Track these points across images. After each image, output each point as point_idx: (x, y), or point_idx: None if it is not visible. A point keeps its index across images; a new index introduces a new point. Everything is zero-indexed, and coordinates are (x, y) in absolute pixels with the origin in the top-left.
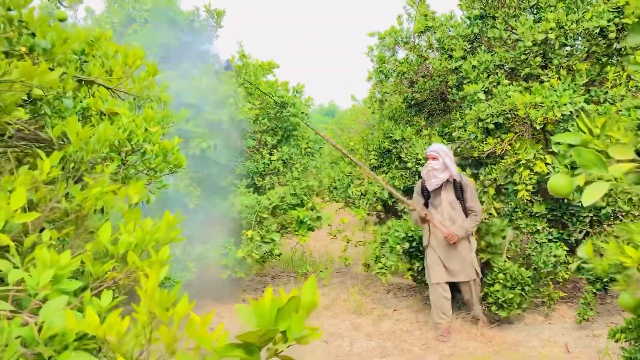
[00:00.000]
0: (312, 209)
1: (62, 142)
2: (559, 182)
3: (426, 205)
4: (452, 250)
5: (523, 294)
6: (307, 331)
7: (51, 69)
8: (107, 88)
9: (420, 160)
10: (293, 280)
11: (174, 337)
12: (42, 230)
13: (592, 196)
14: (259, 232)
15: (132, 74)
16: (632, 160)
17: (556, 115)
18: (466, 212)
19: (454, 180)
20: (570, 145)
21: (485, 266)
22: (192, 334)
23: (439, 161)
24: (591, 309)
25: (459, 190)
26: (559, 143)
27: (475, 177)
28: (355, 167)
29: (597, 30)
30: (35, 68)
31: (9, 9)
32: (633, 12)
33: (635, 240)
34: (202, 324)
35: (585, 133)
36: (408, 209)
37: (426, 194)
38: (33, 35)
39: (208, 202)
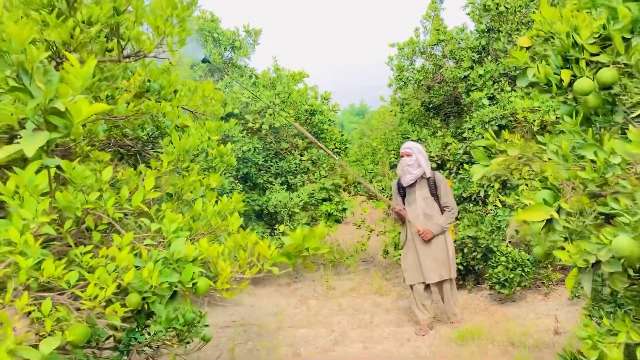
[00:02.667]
0: (338, 204)
1: (146, 147)
2: (476, 171)
3: (403, 202)
4: (427, 248)
5: (523, 274)
6: (321, 248)
7: (158, 101)
8: (191, 111)
9: (433, 157)
10: (322, 267)
11: (247, 258)
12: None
13: (476, 175)
14: (290, 226)
15: (207, 101)
16: (520, 156)
17: (551, 118)
18: (441, 208)
19: (428, 177)
20: (484, 147)
21: (488, 251)
22: (258, 249)
23: (412, 157)
24: (582, 287)
25: (433, 187)
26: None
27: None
28: (376, 164)
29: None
30: (158, 104)
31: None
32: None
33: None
34: (264, 244)
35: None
36: (390, 210)
37: (402, 191)
38: (149, 81)
39: (248, 197)
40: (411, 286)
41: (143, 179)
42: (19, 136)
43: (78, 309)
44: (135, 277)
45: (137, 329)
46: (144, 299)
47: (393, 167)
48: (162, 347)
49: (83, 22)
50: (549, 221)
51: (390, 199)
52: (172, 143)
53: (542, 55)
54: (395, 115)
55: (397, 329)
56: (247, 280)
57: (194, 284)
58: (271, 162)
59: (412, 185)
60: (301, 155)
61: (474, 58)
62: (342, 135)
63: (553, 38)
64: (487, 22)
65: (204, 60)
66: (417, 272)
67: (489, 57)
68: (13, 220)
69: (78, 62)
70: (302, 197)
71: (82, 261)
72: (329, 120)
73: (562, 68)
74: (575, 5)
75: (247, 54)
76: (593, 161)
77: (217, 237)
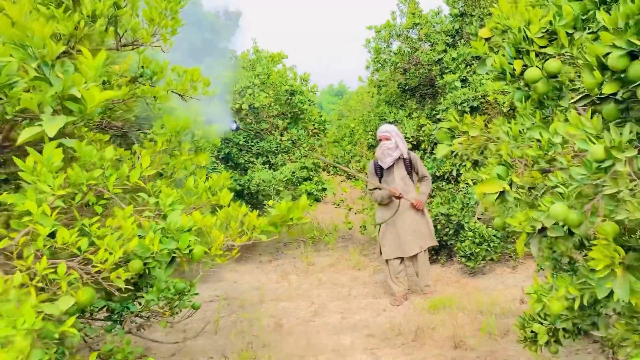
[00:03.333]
0: (317, 183)
1: (133, 128)
2: (440, 150)
3: (379, 182)
4: (408, 224)
5: (488, 248)
6: (303, 218)
7: (152, 86)
8: (180, 95)
9: (409, 138)
10: (302, 244)
11: (237, 228)
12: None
13: (440, 153)
14: (278, 201)
15: (195, 85)
16: (479, 136)
17: None
18: (415, 183)
19: (405, 158)
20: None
21: (460, 227)
22: (248, 220)
23: (392, 141)
24: (547, 260)
25: (409, 166)
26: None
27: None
28: (354, 144)
29: None
30: (152, 89)
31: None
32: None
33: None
34: (253, 215)
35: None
36: (369, 190)
37: (379, 172)
38: (142, 67)
39: (230, 177)
40: (387, 261)
41: (139, 158)
42: (19, 120)
43: (87, 273)
44: (138, 244)
45: (130, 300)
46: (145, 265)
47: (370, 147)
48: (152, 317)
49: (88, 16)
50: (502, 193)
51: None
52: (164, 125)
53: (499, 46)
54: (373, 97)
55: (374, 300)
56: (237, 247)
57: (190, 251)
58: (252, 142)
59: (391, 166)
60: (281, 135)
61: (447, 41)
62: (320, 116)
63: (508, 31)
64: (461, 7)
65: (236, 129)
66: (395, 247)
67: (462, 41)
68: (28, 194)
69: (90, 54)
70: (285, 173)
71: (90, 231)
72: (309, 100)
73: (515, 58)
74: (529, 1)
75: (227, 37)
76: (539, 140)
77: (202, 211)
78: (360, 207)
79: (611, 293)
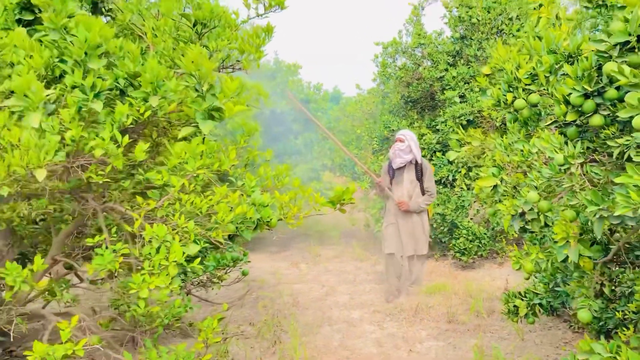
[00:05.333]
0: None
1: None
2: (450, 154)
3: (390, 182)
4: (406, 225)
5: (479, 245)
6: (351, 200)
7: None
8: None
9: None
10: (308, 238)
11: (301, 205)
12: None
13: (451, 157)
14: None
15: (257, 97)
16: (479, 146)
17: None
18: (423, 191)
19: (416, 163)
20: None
21: (454, 226)
22: (311, 198)
23: (405, 144)
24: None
25: (419, 172)
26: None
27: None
28: (361, 149)
29: None
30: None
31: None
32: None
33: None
34: (317, 194)
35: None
36: (374, 188)
37: (391, 173)
38: None
39: None
40: (387, 253)
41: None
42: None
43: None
44: (240, 212)
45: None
46: (236, 228)
47: (374, 152)
48: (199, 285)
49: (211, 50)
50: (495, 186)
51: (378, 176)
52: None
53: (497, 81)
54: (377, 107)
55: (377, 286)
56: (302, 217)
57: (269, 220)
58: (270, 144)
59: (402, 168)
60: (295, 138)
61: (449, 61)
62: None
63: (503, 71)
64: (461, 30)
65: None
66: (396, 243)
67: (462, 61)
68: (163, 173)
69: (229, 78)
70: (298, 174)
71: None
72: (322, 108)
73: (507, 92)
74: (519, 51)
75: None
76: (522, 150)
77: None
78: (363, 205)
79: (566, 258)
